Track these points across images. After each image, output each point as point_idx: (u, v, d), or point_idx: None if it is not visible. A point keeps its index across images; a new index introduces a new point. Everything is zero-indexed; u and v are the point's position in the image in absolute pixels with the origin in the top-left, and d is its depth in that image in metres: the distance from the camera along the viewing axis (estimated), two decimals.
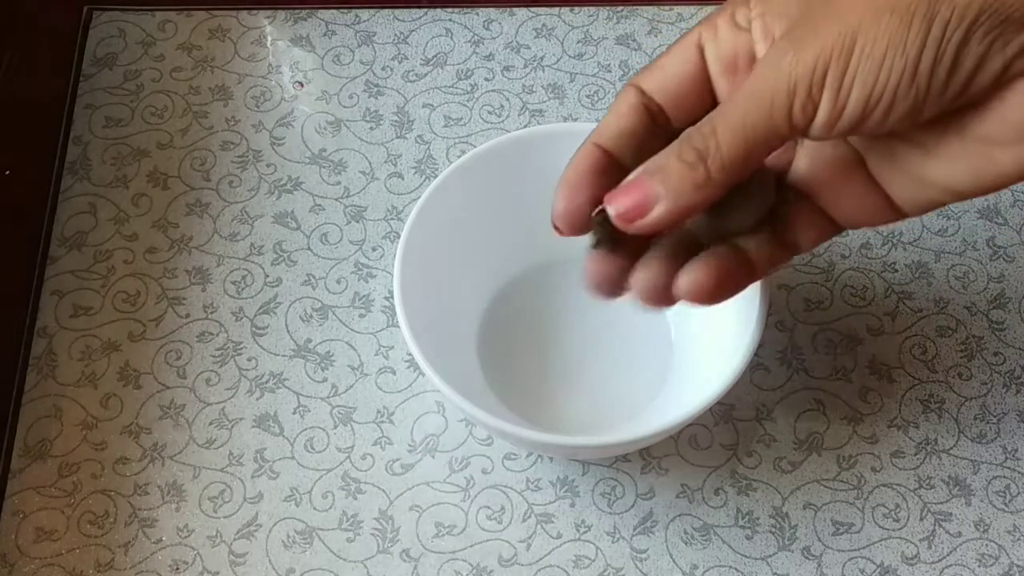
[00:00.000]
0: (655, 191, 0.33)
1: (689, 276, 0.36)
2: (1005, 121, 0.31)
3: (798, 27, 0.31)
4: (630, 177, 0.34)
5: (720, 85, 0.35)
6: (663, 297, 0.37)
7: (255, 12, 0.62)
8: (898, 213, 0.36)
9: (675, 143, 0.33)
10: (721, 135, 0.32)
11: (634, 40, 0.61)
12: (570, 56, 0.61)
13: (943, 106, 0.31)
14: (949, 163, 0.33)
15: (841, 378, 0.52)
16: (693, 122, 0.34)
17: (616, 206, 0.34)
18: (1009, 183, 0.32)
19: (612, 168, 0.36)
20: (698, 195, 0.33)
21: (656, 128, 0.36)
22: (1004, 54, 0.30)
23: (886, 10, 0.29)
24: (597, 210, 0.36)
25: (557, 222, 0.37)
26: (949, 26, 0.29)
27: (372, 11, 0.62)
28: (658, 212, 0.33)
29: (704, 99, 0.36)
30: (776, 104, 0.31)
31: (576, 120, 0.59)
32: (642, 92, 0.36)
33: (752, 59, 0.34)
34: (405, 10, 0.62)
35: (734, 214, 0.36)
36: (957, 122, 0.32)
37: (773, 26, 0.33)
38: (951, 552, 0.48)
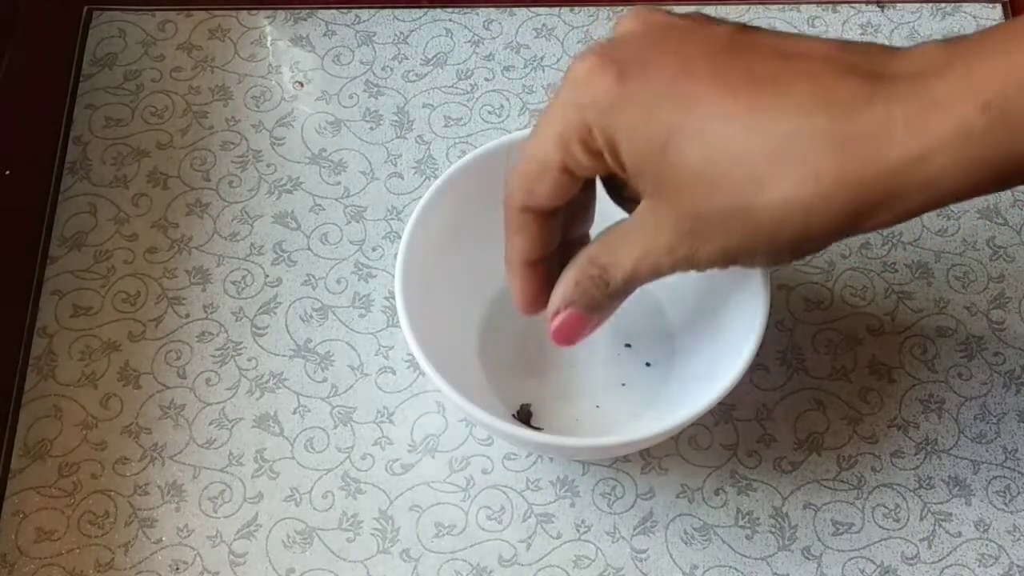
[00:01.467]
0: (587, 319, 0.41)
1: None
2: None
3: (676, 219, 0.36)
4: (557, 306, 0.41)
5: (607, 184, 0.40)
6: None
7: (255, 12, 0.62)
8: None
9: (590, 278, 0.39)
10: (636, 281, 0.38)
11: None
12: (570, 56, 0.61)
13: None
14: None
15: (841, 378, 0.52)
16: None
17: (565, 339, 0.42)
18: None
19: (549, 268, 0.42)
20: (615, 307, 0.41)
21: (556, 219, 0.41)
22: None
23: (756, 253, 0.35)
24: None
25: (527, 315, 0.43)
26: (809, 252, 0.36)
27: (372, 11, 0.62)
28: (591, 330, 0.42)
29: (588, 191, 0.41)
30: (678, 271, 0.37)
31: None
32: (534, 211, 0.40)
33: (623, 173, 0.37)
34: (405, 10, 0.62)
35: None
36: None
37: (633, 180, 0.36)
38: (951, 552, 0.48)
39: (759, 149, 0.32)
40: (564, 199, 0.39)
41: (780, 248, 0.34)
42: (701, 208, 0.34)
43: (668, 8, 0.39)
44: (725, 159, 0.33)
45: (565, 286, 0.40)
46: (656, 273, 0.37)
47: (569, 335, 0.41)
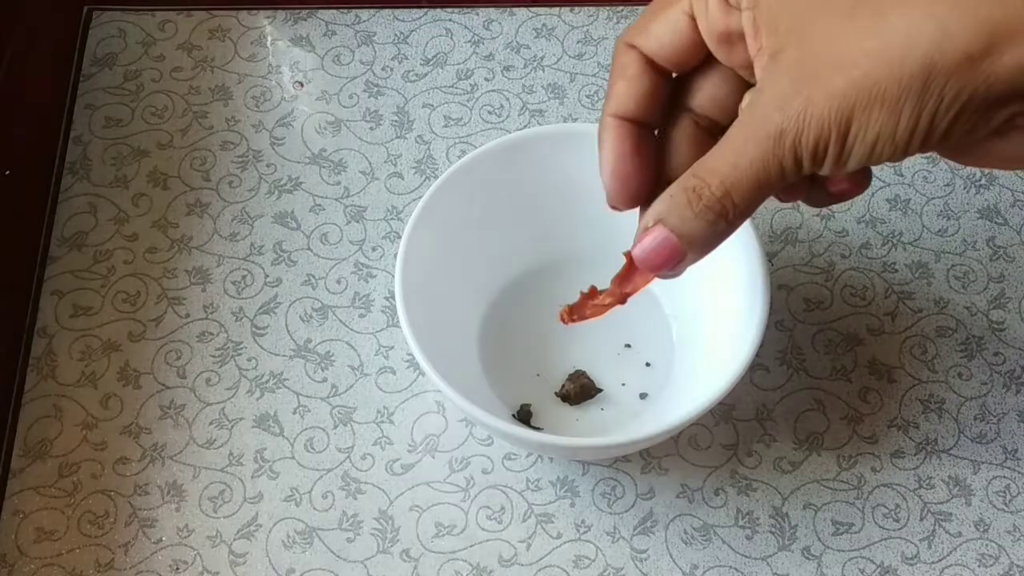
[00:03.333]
0: (682, 247, 0.35)
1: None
2: (1000, 152, 0.33)
3: (795, 66, 0.32)
4: (647, 222, 0.35)
5: (718, 52, 0.36)
6: None
7: (255, 12, 0.62)
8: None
9: (682, 193, 0.34)
10: (736, 196, 0.33)
11: None
12: (570, 56, 0.61)
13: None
14: (955, 157, 0.34)
15: (841, 378, 0.52)
16: (691, 70, 0.36)
17: (645, 261, 0.36)
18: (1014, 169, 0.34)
19: (643, 138, 0.37)
20: (720, 241, 0.35)
21: (664, 81, 0.37)
22: (989, 126, 0.32)
23: (876, 102, 0.31)
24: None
25: (616, 205, 0.38)
26: (937, 115, 0.31)
27: (372, 11, 0.62)
28: (688, 263, 0.36)
29: (700, 57, 0.37)
30: (786, 168, 0.33)
31: (576, 120, 0.59)
32: (641, 53, 0.36)
33: (743, 38, 0.34)
34: (405, 10, 0.62)
35: None
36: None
37: (762, 31, 0.33)
38: (951, 552, 0.48)
39: None
40: (676, 51, 0.36)
41: (907, 85, 0.30)
42: (829, 39, 0.31)
43: None
44: None
45: (660, 199, 0.35)
46: (761, 168, 0.33)
47: (655, 261, 0.35)
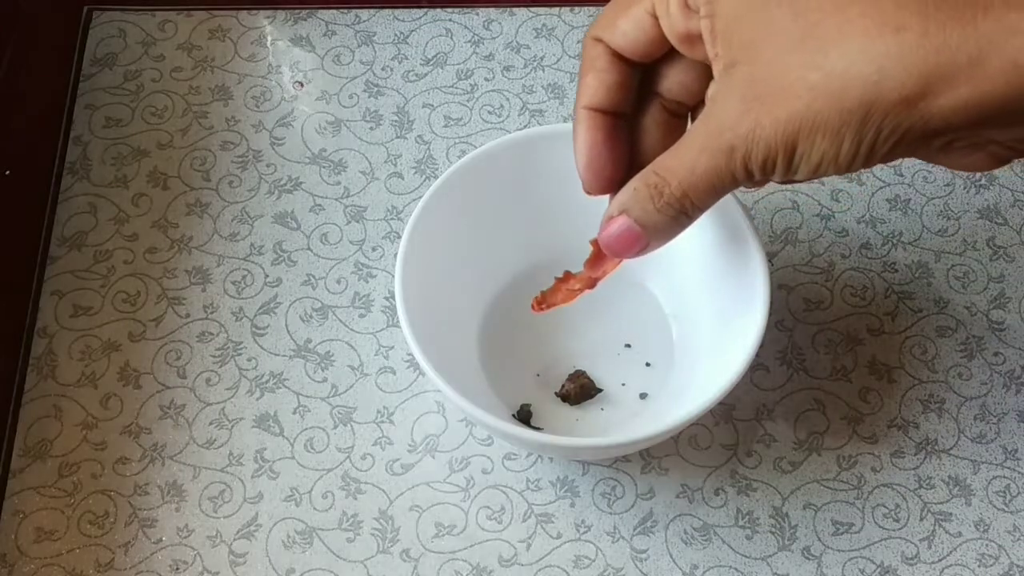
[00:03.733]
0: (644, 237, 0.38)
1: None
2: (946, 163, 0.35)
3: (745, 85, 0.34)
4: (613, 211, 0.38)
5: (680, 48, 0.37)
6: None
7: (255, 12, 0.62)
8: None
9: (644, 188, 0.37)
10: (694, 196, 0.36)
11: None
12: (570, 56, 0.61)
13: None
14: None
15: (841, 378, 0.52)
16: (656, 62, 0.38)
17: (608, 246, 0.39)
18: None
19: (615, 127, 0.39)
20: (680, 231, 0.38)
21: (632, 71, 0.39)
22: (929, 151, 0.33)
23: (819, 130, 0.33)
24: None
25: (591, 192, 0.40)
26: (877, 143, 0.32)
27: (372, 11, 0.62)
28: (648, 250, 0.39)
29: (665, 50, 0.38)
30: (737, 176, 0.35)
31: None
32: (608, 47, 0.38)
33: (701, 40, 0.36)
34: (405, 10, 0.62)
35: None
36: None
37: (718, 40, 0.35)
38: (951, 552, 0.48)
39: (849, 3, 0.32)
40: (639, 46, 0.37)
41: (847, 118, 0.32)
42: (775, 65, 0.33)
43: None
44: (815, 10, 0.32)
45: (624, 191, 0.38)
46: (715, 176, 0.35)
47: (618, 247, 0.39)
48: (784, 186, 0.56)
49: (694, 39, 0.36)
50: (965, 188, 0.57)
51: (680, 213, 0.37)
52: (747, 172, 0.35)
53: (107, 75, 0.60)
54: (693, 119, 0.40)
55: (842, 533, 0.49)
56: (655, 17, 0.37)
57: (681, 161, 0.36)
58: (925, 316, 0.54)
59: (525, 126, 0.59)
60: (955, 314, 0.54)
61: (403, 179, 0.57)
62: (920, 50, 0.31)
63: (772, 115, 0.33)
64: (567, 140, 0.49)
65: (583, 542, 0.49)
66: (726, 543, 0.49)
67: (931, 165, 0.57)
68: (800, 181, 0.35)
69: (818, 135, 0.33)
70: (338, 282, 0.55)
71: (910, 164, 0.57)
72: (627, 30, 0.37)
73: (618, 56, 0.38)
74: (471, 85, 0.60)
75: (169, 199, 0.57)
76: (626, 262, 0.42)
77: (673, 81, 0.39)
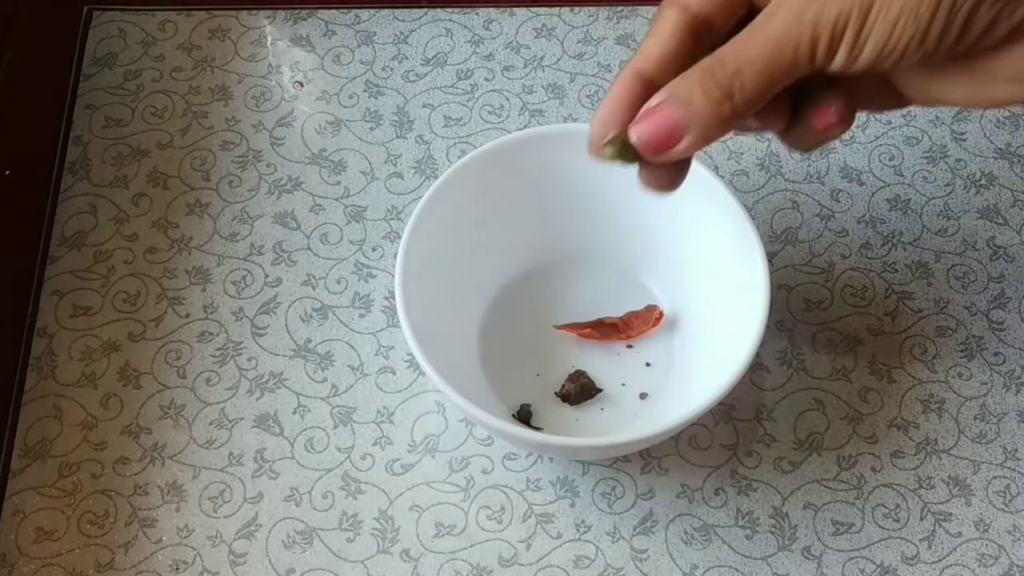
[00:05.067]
0: (682, 125, 0.34)
1: None
2: (1007, 67, 0.33)
3: None
4: (651, 103, 0.34)
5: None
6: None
7: (255, 12, 0.62)
8: (905, 103, 0.37)
9: (696, 71, 0.34)
10: (747, 74, 0.33)
11: (634, 40, 0.61)
12: (570, 56, 0.61)
13: (950, 57, 0.33)
14: (950, 85, 0.34)
15: (841, 378, 0.52)
16: (737, 29, 0.34)
17: (641, 136, 0.34)
18: (1000, 107, 0.35)
19: (648, 98, 0.36)
20: (724, 129, 0.34)
21: (697, 49, 0.36)
22: (1011, 21, 0.31)
23: (794, 17, 0.31)
24: (610, 137, 0.36)
25: (591, 151, 0.37)
26: (957, 3, 0.31)
27: (372, 11, 0.62)
28: (685, 146, 0.34)
29: (741, 12, 0.36)
30: (800, 49, 0.32)
31: (576, 120, 0.59)
32: (686, 10, 0.36)
33: None
34: (405, 10, 0.62)
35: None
36: (964, 58, 0.33)
37: None
38: (951, 552, 0.48)
39: None
40: (717, 3, 0.35)
41: None
42: None
43: None
44: None
45: (675, 79, 0.34)
46: (776, 47, 0.32)
47: (652, 137, 0.34)
48: (784, 185, 0.56)
49: None
50: (965, 188, 0.57)
51: (726, 98, 0.33)
52: (812, 42, 0.32)
53: (107, 75, 0.60)
54: None
55: (842, 533, 0.49)
56: None
57: (741, 38, 0.33)
58: (925, 316, 0.54)
59: (525, 126, 0.59)
60: (955, 314, 0.54)
61: (403, 179, 0.57)
62: None
63: None
64: (567, 140, 0.49)
65: (583, 542, 0.49)
66: (726, 543, 0.49)
67: (931, 165, 0.57)
68: (861, 71, 0.33)
69: (894, 7, 0.31)
70: (338, 282, 0.55)
71: (910, 164, 0.57)
72: None
73: (685, 27, 0.35)
74: (471, 85, 0.60)
75: (169, 199, 0.57)
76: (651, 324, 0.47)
77: None
